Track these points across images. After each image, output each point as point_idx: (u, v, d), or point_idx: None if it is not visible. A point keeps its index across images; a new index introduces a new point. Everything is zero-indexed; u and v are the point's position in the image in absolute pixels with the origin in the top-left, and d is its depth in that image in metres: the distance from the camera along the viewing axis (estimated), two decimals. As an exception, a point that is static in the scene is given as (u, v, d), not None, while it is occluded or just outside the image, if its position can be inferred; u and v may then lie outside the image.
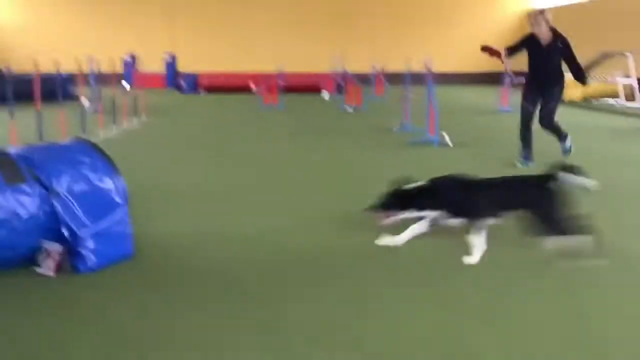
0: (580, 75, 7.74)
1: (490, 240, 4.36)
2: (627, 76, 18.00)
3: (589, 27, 23.12)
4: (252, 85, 21.80)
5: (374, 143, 10.05)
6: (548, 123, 7.93)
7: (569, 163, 4.64)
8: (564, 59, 7.59)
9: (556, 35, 7.56)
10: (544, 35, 7.55)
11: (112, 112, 11.41)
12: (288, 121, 13.30)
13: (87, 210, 4.02)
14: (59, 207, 3.93)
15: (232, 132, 11.66)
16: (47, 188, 3.93)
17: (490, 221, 4.47)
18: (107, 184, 4.21)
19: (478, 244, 4.32)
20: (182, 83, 22.70)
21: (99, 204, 4.10)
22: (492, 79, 25.07)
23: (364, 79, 19.80)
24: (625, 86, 17.79)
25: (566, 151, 8.14)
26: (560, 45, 7.51)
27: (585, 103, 17.99)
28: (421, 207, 4.52)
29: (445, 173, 4.74)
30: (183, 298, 3.60)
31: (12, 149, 4.22)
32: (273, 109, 15.64)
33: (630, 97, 17.52)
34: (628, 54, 17.60)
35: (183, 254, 4.41)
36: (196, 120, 13.63)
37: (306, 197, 6.24)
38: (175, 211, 5.59)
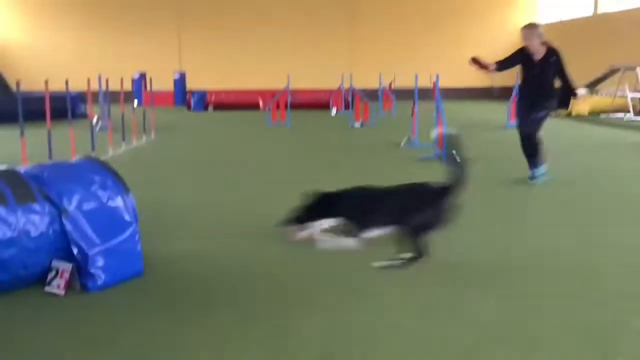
0: (571, 91, 7.55)
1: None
2: (637, 90, 17.96)
3: (596, 41, 23.16)
4: (261, 102, 21.90)
5: (381, 159, 10.05)
6: (530, 134, 7.56)
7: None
8: (557, 74, 7.39)
9: (549, 49, 7.39)
10: (536, 50, 7.38)
11: (122, 130, 11.47)
12: (295, 138, 13.34)
13: (97, 229, 4.03)
14: (69, 226, 3.94)
15: (240, 149, 11.70)
16: (57, 207, 3.94)
17: (383, 230, 4.55)
18: (117, 202, 4.22)
19: (340, 243, 4.53)
20: (191, 100, 22.84)
21: (108, 222, 4.10)
22: (501, 94, 25.08)
23: (371, 95, 19.85)
24: (634, 100, 17.74)
25: (533, 178, 7.62)
26: (553, 60, 7.34)
27: (593, 117, 17.94)
28: (329, 216, 4.66)
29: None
30: (193, 317, 3.59)
31: (23, 168, 4.24)
32: (281, 126, 15.69)
33: (639, 111, 17.48)
34: (638, 68, 17.58)
35: (193, 271, 4.40)
36: (204, 138, 13.69)
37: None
38: (185, 228, 5.59)
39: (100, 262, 3.97)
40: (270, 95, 20.18)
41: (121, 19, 27.83)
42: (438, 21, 28.98)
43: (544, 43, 7.39)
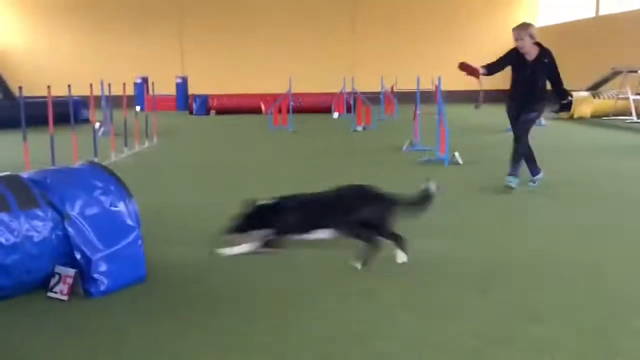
0: (561, 94, 7.47)
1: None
2: (639, 93, 17.94)
3: (598, 43, 23.13)
4: (263, 106, 21.93)
5: (383, 163, 10.06)
6: (519, 137, 7.36)
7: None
8: (549, 76, 7.20)
9: (542, 50, 7.18)
10: (529, 51, 7.16)
11: (124, 135, 11.50)
12: (297, 142, 13.36)
13: (99, 234, 4.04)
14: (71, 231, 3.95)
15: (242, 153, 11.72)
16: (60, 212, 3.96)
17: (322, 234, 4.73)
18: (120, 207, 4.23)
19: (244, 248, 4.73)
20: (193, 104, 22.88)
21: (111, 228, 4.12)
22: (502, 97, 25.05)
23: (373, 98, 19.86)
24: (636, 102, 17.72)
25: (509, 183, 7.33)
26: (546, 61, 7.14)
27: (595, 120, 17.93)
28: (265, 226, 4.80)
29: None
30: (195, 322, 3.60)
31: (25, 174, 4.26)
32: (283, 130, 15.71)
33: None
34: (639, 70, 17.57)
35: (196, 276, 4.41)
36: (207, 142, 13.72)
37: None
38: (188, 233, 5.60)
39: (103, 267, 3.98)
40: (272, 99, 20.22)
41: (122, 23, 27.89)
42: (440, 24, 28.99)
43: (536, 43, 7.18)
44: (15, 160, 8.54)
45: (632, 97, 17.75)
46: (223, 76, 27.88)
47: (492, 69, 7.41)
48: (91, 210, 4.07)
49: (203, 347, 3.27)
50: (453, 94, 19.59)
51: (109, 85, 11.70)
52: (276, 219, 4.80)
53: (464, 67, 7.41)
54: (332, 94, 21.93)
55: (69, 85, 9.31)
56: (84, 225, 3.99)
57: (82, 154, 9.32)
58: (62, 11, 27.76)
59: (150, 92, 14.60)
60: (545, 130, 14.62)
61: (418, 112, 12.01)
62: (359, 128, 15.75)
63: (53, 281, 3.93)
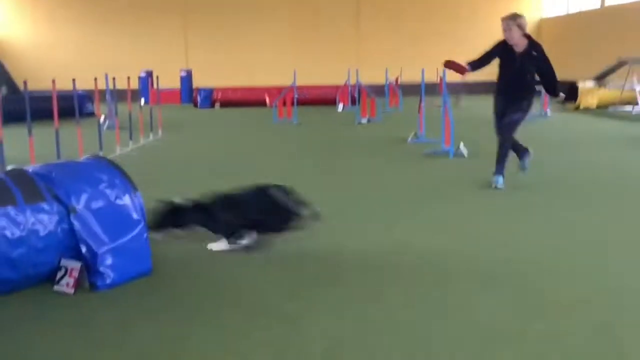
0: (549, 90, 7.14)
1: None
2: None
3: (604, 34, 23.01)
4: (267, 99, 21.90)
5: (388, 155, 10.04)
6: (505, 137, 7.05)
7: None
8: (538, 69, 6.88)
9: (531, 42, 6.87)
10: (517, 42, 6.83)
11: (129, 128, 11.50)
12: (302, 134, 13.35)
13: (105, 227, 4.05)
14: (77, 225, 3.96)
15: (247, 146, 11.72)
16: (65, 206, 3.97)
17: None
18: (125, 200, 4.24)
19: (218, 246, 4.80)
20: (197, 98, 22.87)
21: (117, 221, 4.13)
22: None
23: (378, 91, 19.82)
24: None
25: (495, 183, 7.04)
26: (535, 54, 6.82)
27: (601, 110, 17.85)
28: (190, 224, 4.83)
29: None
30: (200, 315, 3.61)
31: (31, 168, 4.27)
32: (287, 123, 15.69)
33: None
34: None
35: (201, 269, 4.42)
36: (211, 135, 13.72)
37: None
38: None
39: (108, 260, 3.99)
40: (276, 92, 20.19)
41: (127, 17, 27.85)
42: (444, 15, 28.85)
43: (526, 36, 6.88)
44: (20, 154, 8.56)
45: (638, 88, 17.63)
46: (227, 69, 27.84)
47: (476, 64, 7.16)
48: (97, 204, 4.08)
49: (207, 340, 3.28)
50: (459, 86, 19.49)
51: (114, 78, 11.69)
52: (186, 221, 4.88)
53: (450, 64, 7.28)
54: (337, 87, 21.90)
55: (73, 80, 9.32)
56: (89, 219, 4.00)
57: (87, 147, 9.34)
58: (66, 4, 27.75)
59: (155, 85, 14.58)
60: (551, 121, 14.60)
61: (423, 104, 11.99)
62: (364, 120, 15.72)
63: (59, 274, 3.94)
